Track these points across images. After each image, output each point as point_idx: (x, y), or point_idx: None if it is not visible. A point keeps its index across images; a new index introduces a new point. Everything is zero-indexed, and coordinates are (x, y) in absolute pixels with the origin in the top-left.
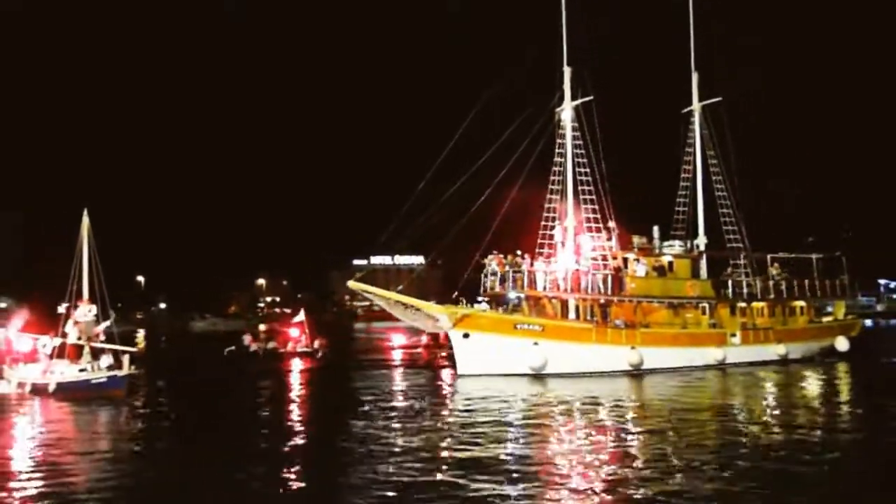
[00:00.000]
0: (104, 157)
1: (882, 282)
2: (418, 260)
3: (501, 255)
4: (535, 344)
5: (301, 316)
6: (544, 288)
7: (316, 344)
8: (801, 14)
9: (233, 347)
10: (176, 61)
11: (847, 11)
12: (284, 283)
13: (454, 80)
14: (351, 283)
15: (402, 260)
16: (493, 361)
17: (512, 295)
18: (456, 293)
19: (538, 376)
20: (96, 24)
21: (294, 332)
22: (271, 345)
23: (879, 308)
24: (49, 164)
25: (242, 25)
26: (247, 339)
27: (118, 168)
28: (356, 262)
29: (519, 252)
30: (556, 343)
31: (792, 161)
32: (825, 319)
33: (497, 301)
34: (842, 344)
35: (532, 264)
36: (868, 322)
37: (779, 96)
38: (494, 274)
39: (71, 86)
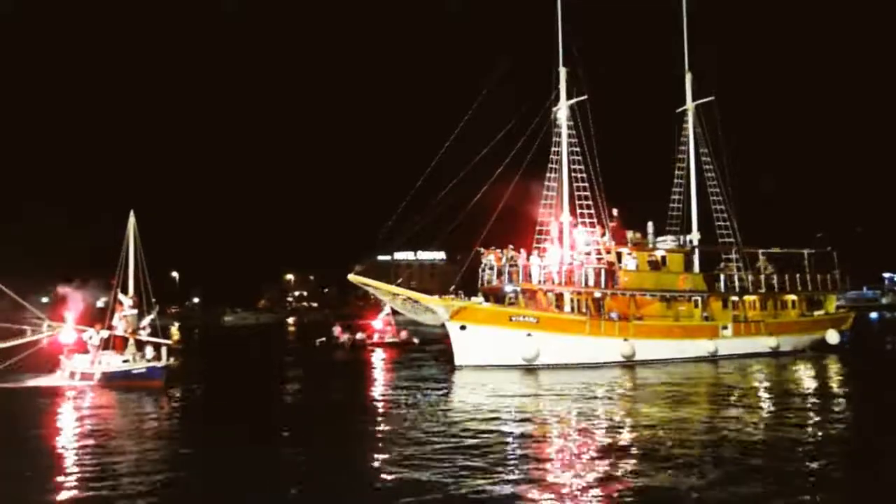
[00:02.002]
0: (141, 160)
1: (887, 275)
2: (440, 255)
3: (498, 250)
4: (529, 335)
5: (388, 308)
6: (539, 281)
7: (403, 335)
8: (804, 11)
9: (323, 338)
10: (181, 62)
11: (848, 8)
12: (311, 277)
13: (454, 80)
14: (351, 277)
15: (424, 255)
16: (489, 353)
17: (508, 288)
18: (453, 287)
19: (532, 367)
20: (98, 25)
21: (378, 323)
22: (359, 336)
23: (884, 301)
24: (74, 165)
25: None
26: (336, 330)
27: (154, 170)
28: (380, 257)
29: (511, 246)
30: (550, 335)
31: (795, 158)
32: (817, 313)
33: (494, 294)
34: (832, 337)
35: (528, 258)
36: (873, 315)
37: (781, 94)
38: (491, 268)
39: (82, 86)
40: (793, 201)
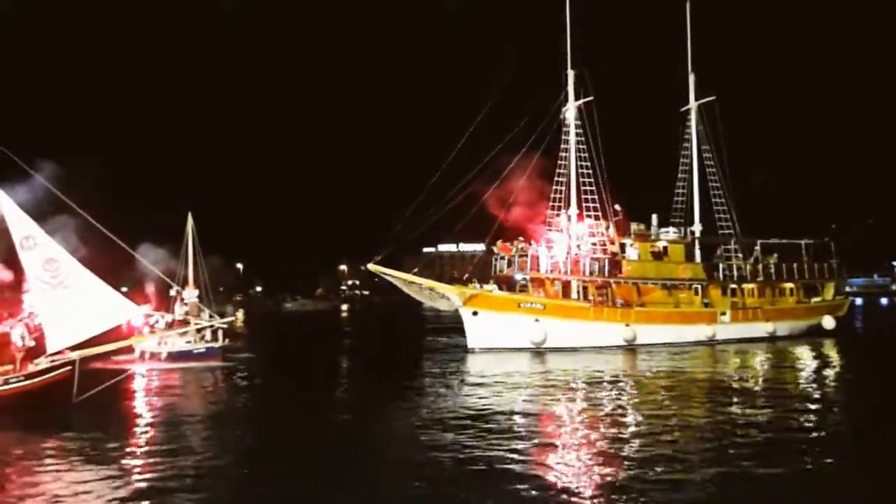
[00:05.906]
0: (205, 163)
1: None
2: (480, 247)
3: (507, 243)
4: (537, 321)
5: None
6: (547, 271)
7: None
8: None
9: None
10: (181, 61)
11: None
12: (363, 267)
13: (453, 80)
14: (371, 266)
15: (465, 247)
16: (499, 337)
17: (518, 277)
18: (466, 275)
19: (539, 350)
20: (98, 25)
21: None
22: None
23: (894, 287)
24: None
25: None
26: None
27: (220, 172)
28: (425, 249)
29: (521, 238)
30: (556, 320)
31: (798, 152)
32: (814, 300)
33: (506, 282)
34: (828, 322)
35: (537, 249)
36: (884, 300)
37: (784, 90)
38: (503, 258)
39: (82, 86)
40: (796, 194)
